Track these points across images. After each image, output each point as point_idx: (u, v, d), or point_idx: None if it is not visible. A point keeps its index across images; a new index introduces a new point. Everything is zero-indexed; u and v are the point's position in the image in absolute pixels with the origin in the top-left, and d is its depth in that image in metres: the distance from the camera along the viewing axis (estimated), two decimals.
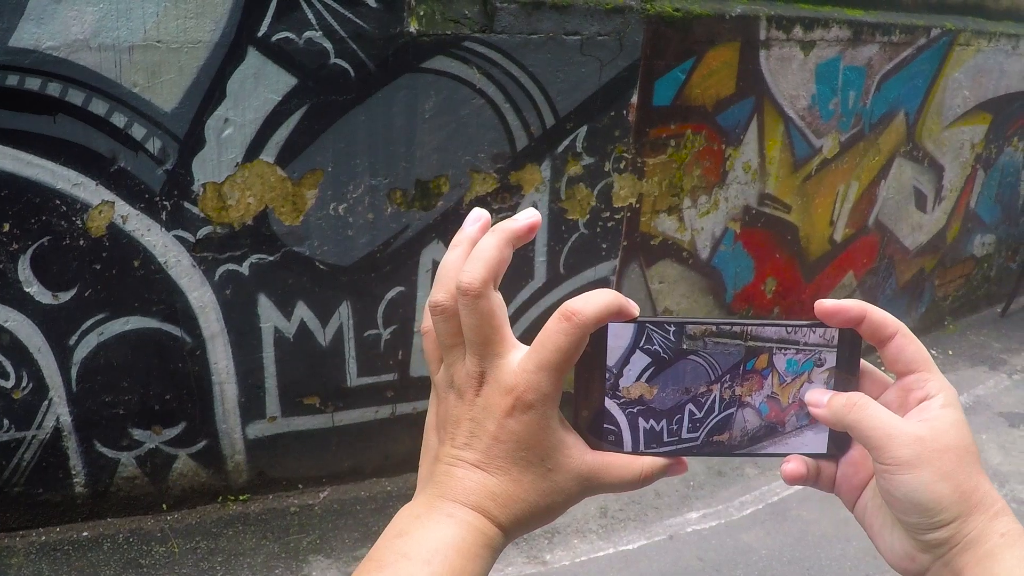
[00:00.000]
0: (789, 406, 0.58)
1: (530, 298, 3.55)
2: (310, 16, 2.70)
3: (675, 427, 0.57)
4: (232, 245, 2.92)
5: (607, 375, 0.56)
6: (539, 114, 3.23)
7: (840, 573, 3.18)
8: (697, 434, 0.58)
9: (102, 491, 3.11)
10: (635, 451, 0.57)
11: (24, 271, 2.68)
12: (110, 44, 2.50)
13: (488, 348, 0.52)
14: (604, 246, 3.64)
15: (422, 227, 3.21)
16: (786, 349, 0.57)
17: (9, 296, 2.70)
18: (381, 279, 3.23)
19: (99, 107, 2.57)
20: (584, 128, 3.35)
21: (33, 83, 2.47)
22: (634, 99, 3.41)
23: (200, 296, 2.95)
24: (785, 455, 0.59)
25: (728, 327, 0.56)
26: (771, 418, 0.58)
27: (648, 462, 0.57)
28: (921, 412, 0.54)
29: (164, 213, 2.79)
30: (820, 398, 0.57)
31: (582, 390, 0.57)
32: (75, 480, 3.05)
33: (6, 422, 2.86)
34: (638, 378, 0.56)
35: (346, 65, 2.82)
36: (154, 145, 2.69)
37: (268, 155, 2.84)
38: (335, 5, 2.72)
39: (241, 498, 3.35)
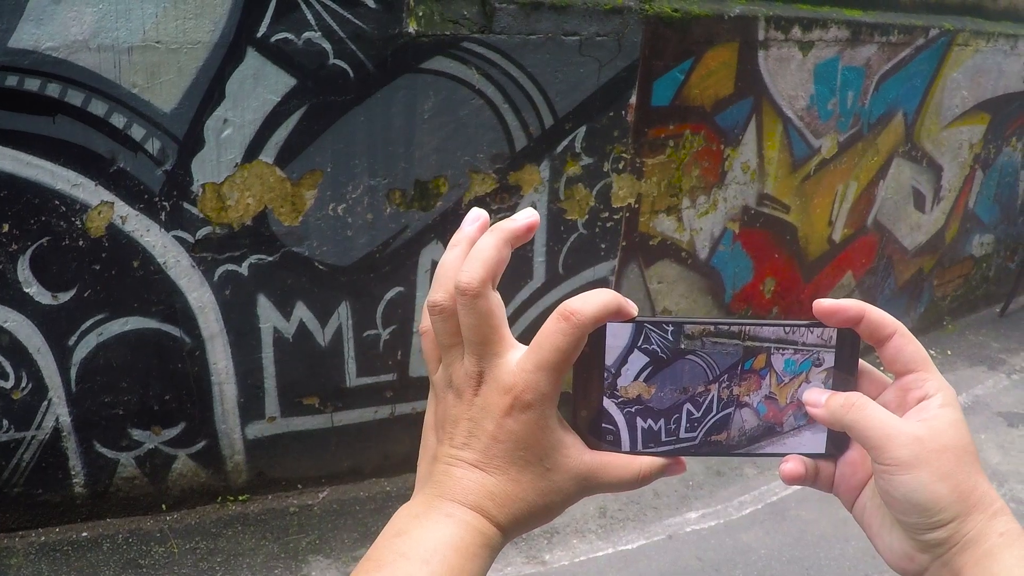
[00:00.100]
0: (787, 406, 0.58)
1: (529, 298, 3.55)
2: (309, 17, 2.70)
3: (673, 427, 0.57)
4: (231, 245, 2.92)
5: (605, 375, 0.56)
6: (538, 114, 3.23)
7: (839, 573, 3.18)
8: (695, 434, 0.58)
9: (101, 491, 3.11)
10: (633, 451, 0.57)
11: (23, 271, 2.68)
12: (109, 45, 2.50)
13: (486, 348, 0.52)
14: (603, 246, 3.64)
15: (421, 227, 3.21)
16: (784, 349, 0.57)
17: (8, 296, 2.70)
18: (380, 279, 3.23)
19: (98, 108, 2.57)
20: (583, 128, 3.35)
21: (32, 84, 2.47)
22: (633, 99, 3.42)
23: (199, 296, 2.95)
24: (783, 455, 0.59)
25: (726, 327, 0.56)
26: (769, 418, 0.58)
27: (646, 462, 0.57)
28: (920, 412, 0.54)
29: (163, 214, 2.79)
30: (818, 398, 0.57)
31: (580, 390, 0.57)
32: (74, 480, 3.05)
33: (5, 422, 2.86)
34: (636, 378, 0.56)
35: (345, 66, 2.82)
36: (153, 146, 2.69)
37: (267, 155, 2.84)
38: (334, 6, 2.72)
39: (240, 498, 3.35)
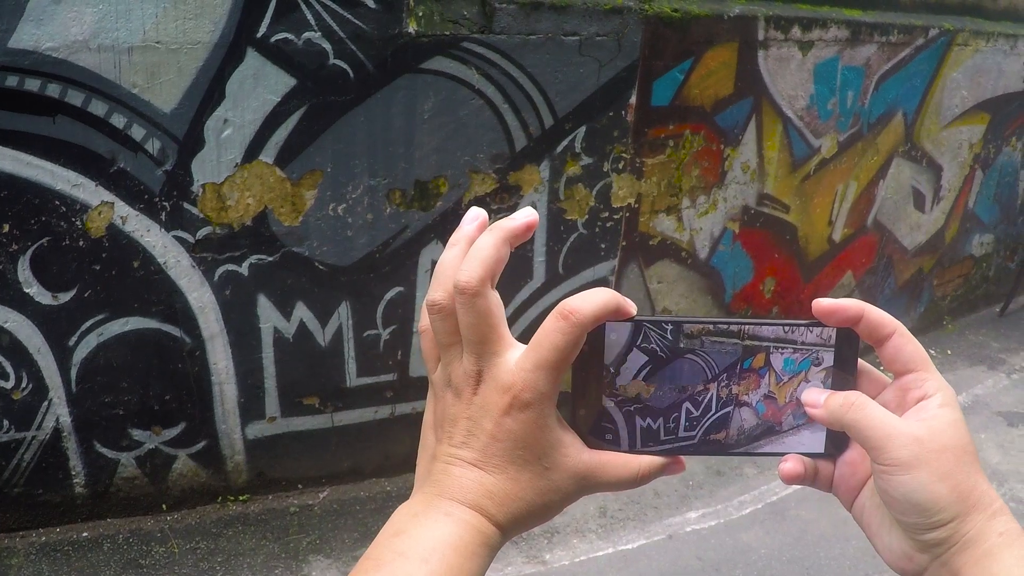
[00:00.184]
0: (786, 405, 0.58)
1: (529, 298, 3.55)
2: (309, 17, 2.70)
3: (672, 426, 0.57)
4: (231, 246, 2.92)
5: (604, 374, 0.56)
6: (538, 114, 3.23)
7: (839, 572, 3.18)
8: (694, 433, 0.58)
9: (102, 491, 3.11)
10: (632, 450, 0.57)
11: (24, 272, 2.68)
12: (109, 45, 2.50)
13: (485, 347, 0.52)
14: (603, 246, 3.64)
15: (421, 227, 3.21)
16: (783, 348, 0.57)
17: (9, 297, 2.70)
18: (380, 279, 3.23)
19: (98, 108, 2.57)
20: (583, 128, 3.35)
21: (33, 84, 2.47)
22: (633, 99, 3.42)
23: (199, 296, 2.95)
24: (782, 454, 0.59)
25: (725, 326, 0.57)
26: (768, 417, 0.58)
27: (645, 461, 0.57)
28: (919, 412, 0.54)
29: (163, 214, 2.79)
30: (817, 398, 0.57)
31: (579, 389, 0.57)
32: (75, 481, 3.05)
33: (6, 423, 2.86)
34: (635, 377, 0.56)
35: (345, 66, 2.82)
36: (153, 146, 2.69)
37: (267, 156, 2.84)
38: (334, 6, 2.72)
39: (241, 498, 3.35)
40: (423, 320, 0.57)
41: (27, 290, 2.71)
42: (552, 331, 0.51)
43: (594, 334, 0.54)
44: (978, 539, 0.51)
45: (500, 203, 3.29)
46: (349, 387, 3.36)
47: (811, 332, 0.57)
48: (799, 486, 0.61)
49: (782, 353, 0.57)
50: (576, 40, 3.18)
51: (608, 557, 3.19)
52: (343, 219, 3.05)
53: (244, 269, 2.97)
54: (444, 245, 0.56)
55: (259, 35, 2.67)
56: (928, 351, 0.57)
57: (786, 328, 0.57)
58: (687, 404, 0.57)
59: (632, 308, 0.55)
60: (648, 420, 0.57)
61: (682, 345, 0.56)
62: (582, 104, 3.30)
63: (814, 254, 4.58)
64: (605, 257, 3.67)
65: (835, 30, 3.92)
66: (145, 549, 3.04)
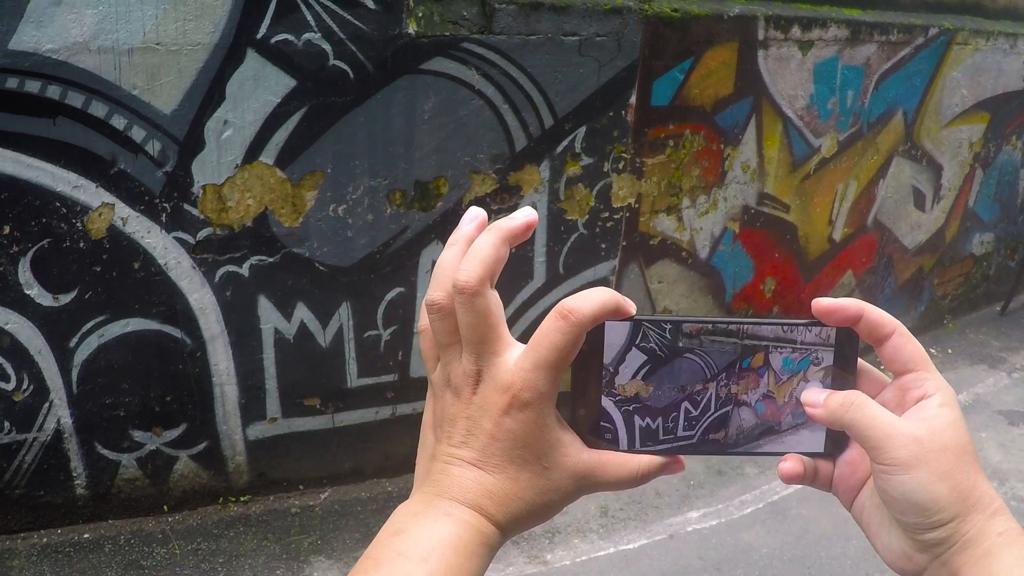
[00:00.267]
0: (785, 404, 0.58)
1: (529, 298, 3.55)
2: (309, 18, 2.71)
3: (671, 425, 0.57)
4: (232, 247, 2.92)
5: (603, 373, 0.56)
6: (538, 115, 3.23)
7: (840, 571, 3.18)
8: (693, 432, 0.58)
9: (103, 493, 3.11)
10: (631, 449, 0.57)
11: (24, 273, 2.68)
12: (109, 46, 2.50)
13: (485, 346, 0.52)
14: (603, 246, 3.64)
15: (421, 228, 3.21)
16: (782, 348, 0.57)
17: (10, 298, 2.70)
18: (381, 280, 3.23)
19: (99, 109, 2.57)
20: (583, 128, 3.35)
21: (33, 86, 2.47)
22: (633, 99, 3.42)
23: (200, 298, 2.95)
24: (782, 454, 0.59)
25: (724, 325, 0.56)
26: (767, 416, 0.58)
27: (645, 460, 0.57)
28: (919, 411, 0.54)
29: (164, 215, 2.79)
30: (816, 398, 0.56)
31: (578, 388, 0.57)
32: (76, 482, 3.05)
33: (7, 424, 2.86)
34: (634, 376, 0.56)
35: (345, 67, 2.83)
36: (154, 147, 2.69)
37: (267, 157, 2.84)
38: (334, 7, 2.72)
39: (242, 499, 3.35)
40: (422, 320, 0.57)
41: (28, 292, 2.71)
42: (551, 330, 0.51)
43: (593, 333, 0.54)
44: (977, 539, 0.51)
45: (500, 203, 3.29)
46: (350, 388, 3.36)
47: (810, 331, 0.57)
48: (799, 485, 0.61)
49: (781, 352, 0.57)
50: (576, 40, 3.18)
51: (609, 557, 3.19)
52: (343, 220, 3.05)
53: (245, 270, 2.98)
54: (444, 245, 0.56)
55: (259, 36, 2.67)
56: (929, 350, 0.57)
57: (785, 327, 0.57)
58: (686, 404, 0.57)
59: (631, 307, 0.55)
60: (647, 419, 0.57)
61: (681, 344, 0.56)
62: (582, 104, 3.30)
63: (814, 253, 4.58)
64: (605, 257, 3.67)
65: (835, 29, 3.92)
66: (146, 550, 3.04)
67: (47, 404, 2.89)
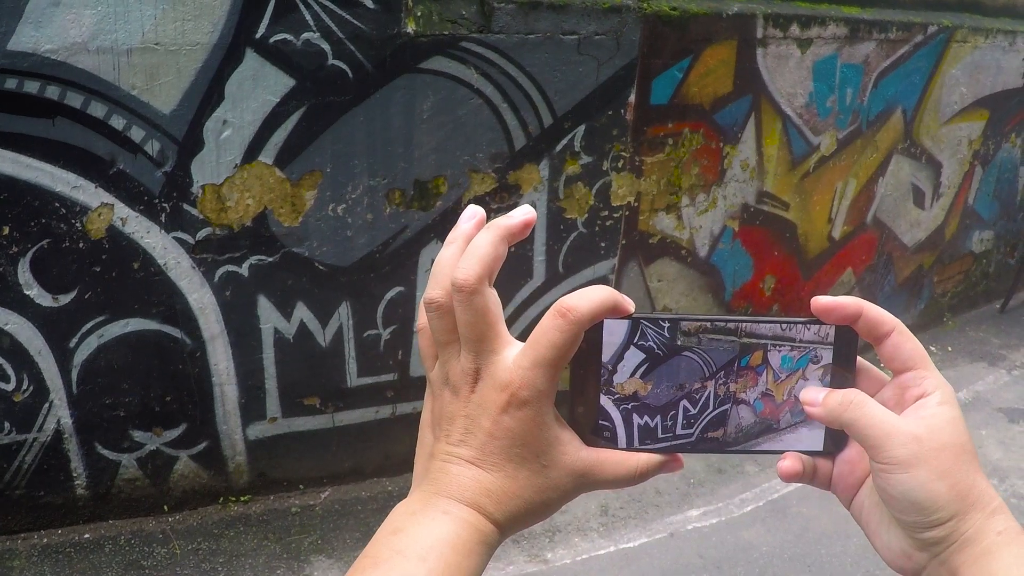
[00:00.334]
0: (784, 403, 0.58)
1: (529, 297, 3.55)
2: (308, 18, 2.70)
3: (670, 423, 0.57)
4: (231, 246, 2.92)
5: (602, 372, 0.56)
6: (537, 114, 3.23)
7: (841, 570, 3.18)
8: (692, 430, 0.58)
9: (103, 493, 3.12)
10: (630, 447, 0.57)
11: (24, 274, 2.68)
12: (108, 47, 2.50)
13: (483, 345, 0.52)
14: (603, 245, 3.64)
15: (421, 227, 3.21)
16: (781, 346, 0.57)
17: (9, 299, 2.70)
18: (380, 279, 3.23)
19: (98, 110, 2.57)
20: (582, 127, 3.35)
21: (32, 86, 2.47)
22: (632, 98, 3.41)
23: (200, 298, 2.95)
24: (781, 452, 0.59)
25: (723, 323, 0.56)
26: (766, 415, 0.58)
27: (643, 458, 0.57)
28: (918, 410, 0.54)
29: (163, 215, 2.79)
30: (815, 396, 0.56)
31: (577, 386, 0.57)
32: (76, 482, 3.05)
33: (7, 425, 2.86)
34: (633, 374, 0.56)
35: (344, 66, 2.82)
36: (153, 147, 2.69)
37: (267, 156, 2.84)
38: (332, 6, 2.72)
39: (242, 499, 3.36)
40: (421, 318, 0.57)
41: (27, 292, 2.71)
42: (550, 329, 0.51)
43: (592, 332, 0.54)
44: (976, 537, 0.51)
45: (500, 202, 3.29)
46: (350, 387, 3.36)
47: (809, 329, 0.57)
48: (799, 484, 0.61)
49: (780, 351, 0.57)
50: (575, 39, 3.18)
51: (610, 555, 3.19)
52: (343, 219, 3.05)
53: (244, 270, 2.98)
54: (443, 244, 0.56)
55: (258, 36, 2.67)
56: (928, 348, 0.57)
57: (784, 325, 0.57)
58: (684, 402, 0.57)
59: (630, 305, 0.55)
60: (646, 418, 0.57)
61: (679, 343, 0.56)
62: (581, 103, 3.30)
63: (814, 251, 4.58)
64: (605, 256, 3.67)
65: (834, 27, 3.91)
66: (147, 550, 3.04)
67: (47, 404, 2.89)
